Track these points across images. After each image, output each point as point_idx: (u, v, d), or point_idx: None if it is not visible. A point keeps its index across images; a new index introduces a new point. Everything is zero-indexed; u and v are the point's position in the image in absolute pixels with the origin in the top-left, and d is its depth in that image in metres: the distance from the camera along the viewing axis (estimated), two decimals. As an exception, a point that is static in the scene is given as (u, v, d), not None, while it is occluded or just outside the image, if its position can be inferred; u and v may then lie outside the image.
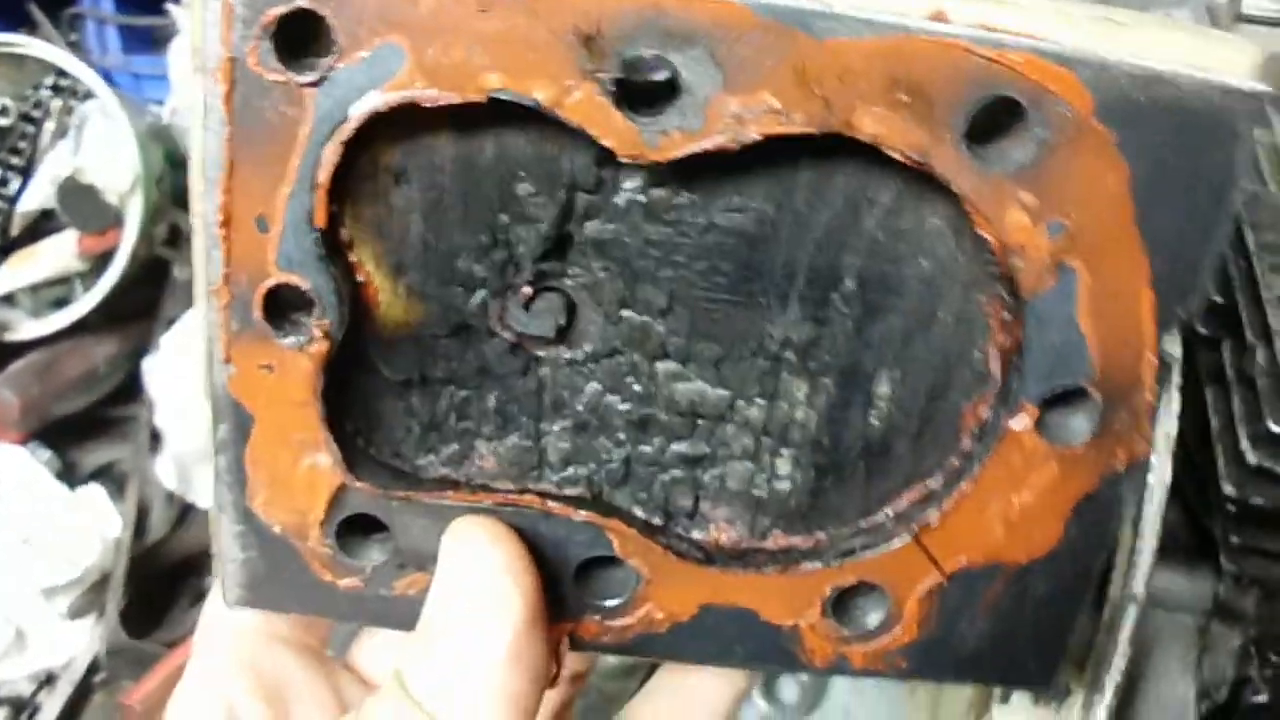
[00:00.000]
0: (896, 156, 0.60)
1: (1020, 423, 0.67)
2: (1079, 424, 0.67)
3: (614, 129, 0.59)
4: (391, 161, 0.64)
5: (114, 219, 2.14)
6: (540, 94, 0.58)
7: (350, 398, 0.69)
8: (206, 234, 0.62)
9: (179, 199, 2.28)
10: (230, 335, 0.64)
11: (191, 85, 0.61)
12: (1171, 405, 0.68)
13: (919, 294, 0.67)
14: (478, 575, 0.68)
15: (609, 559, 0.71)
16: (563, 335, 0.70)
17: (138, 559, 2.09)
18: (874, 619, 0.73)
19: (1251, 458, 0.78)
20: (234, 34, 0.58)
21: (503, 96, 0.58)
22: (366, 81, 0.58)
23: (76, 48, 2.24)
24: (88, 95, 2.18)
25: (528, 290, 0.68)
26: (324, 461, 0.68)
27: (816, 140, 0.61)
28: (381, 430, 0.72)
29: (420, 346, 0.69)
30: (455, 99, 0.59)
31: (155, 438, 2.20)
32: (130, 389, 2.28)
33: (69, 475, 2.20)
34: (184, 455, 2.15)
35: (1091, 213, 0.61)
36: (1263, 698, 0.84)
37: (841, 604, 0.73)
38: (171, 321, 2.25)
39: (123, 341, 2.26)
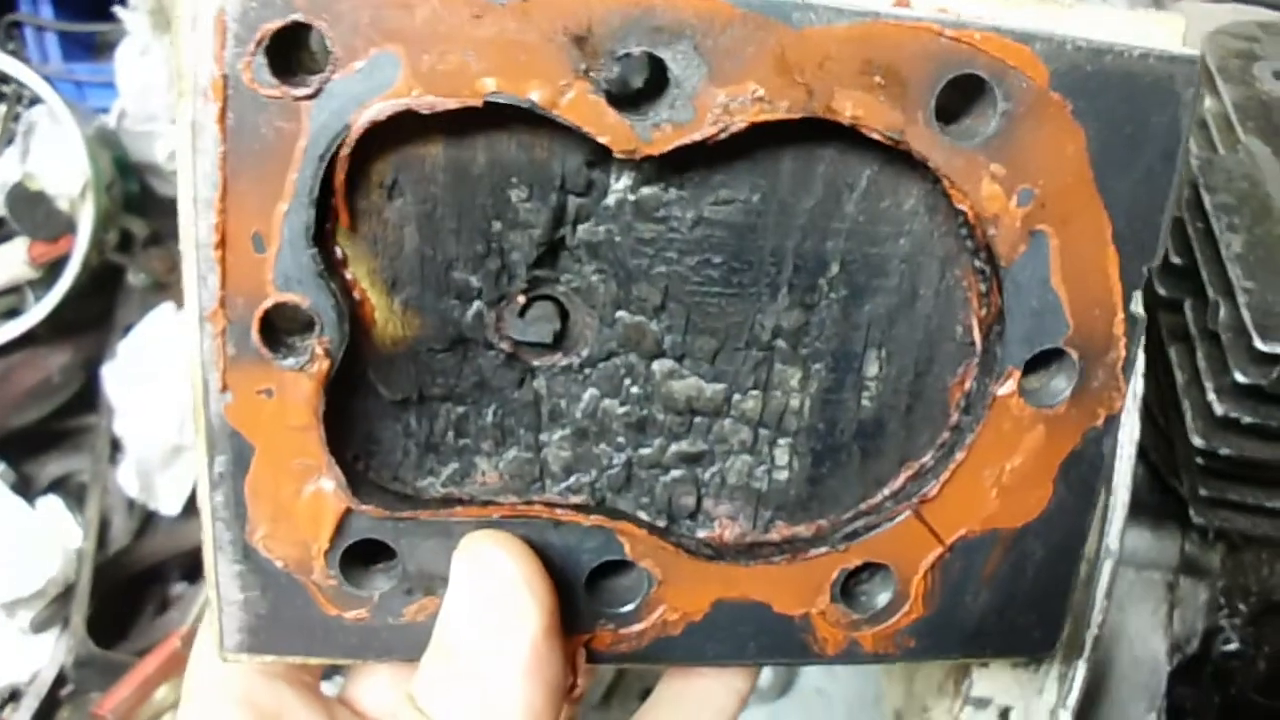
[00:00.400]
0: (876, 137, 0.63)
1: (1007, 388, 0.70)
2: (1059, 385, 0.71)
3: (608, 125, 0.61)
4: (383, 174, 0.64)
5: (65, 226, 2.09)
6: (536, 95, 0.60)
7: (347, 422, 0.68)
8: (200, 258, 0.61)
9: (130, 204, 2.25)
10: (227, 361, 0.63)
11: (177, 109, 0.61)
12: (1138, 364, 0.72)
13: (900, 273, 0.70)
14: (492, 589, 0.67)
15: (620, 564, 0.71)
16: (558, 342, 0.70)
17: (101, 569, 2.04)
18: (882, 599, 0.74)
19: (1219, 409, 0.82)
20: (227, 51, 0.58)
21: (499, 99, 0.60)
22: (363, 91, 0.59)
23: (15, 56, 2.17)
24: (34, 101, 2.13)
25: (521, 299, 0.69)
26: (328, 486, 0.66)
27: (797, 128, 0.64)
28: (380, 454, 0.70)
29: (417, 363, 0.69)
30: (452, 104, 0.60)
31: (114, 446, 2.15)
32: (86, 398, 2.22)
33: (24, 488, 2.14)
34: (146, 462, 2.10)
35: (1056, 178, 0.66)
36: (1234, 645, 0.88)
37: (849, 588, 0.74)
38: (127, 328, 2.19)
39: (76, 350, 2.21)
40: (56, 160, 2.08)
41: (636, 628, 0.73)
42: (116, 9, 2.12)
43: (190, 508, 2.15)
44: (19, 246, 2.08)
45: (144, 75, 2.11)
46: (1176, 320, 0.90)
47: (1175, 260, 0.91)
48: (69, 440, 2.24)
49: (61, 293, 2.08)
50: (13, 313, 2.16)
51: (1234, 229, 0.86)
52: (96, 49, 2.39)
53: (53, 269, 2.12)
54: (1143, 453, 0.79)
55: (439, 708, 0.66)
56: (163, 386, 2.07)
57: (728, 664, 0.77)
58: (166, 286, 2.26)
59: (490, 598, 0.66)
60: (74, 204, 2.09)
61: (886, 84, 0.62)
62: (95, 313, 2.24)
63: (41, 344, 2.16)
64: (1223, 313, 0.83)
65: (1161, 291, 0.92)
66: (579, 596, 0.71)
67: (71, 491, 2.18)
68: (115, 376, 2.14)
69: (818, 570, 0.73)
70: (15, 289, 2.15)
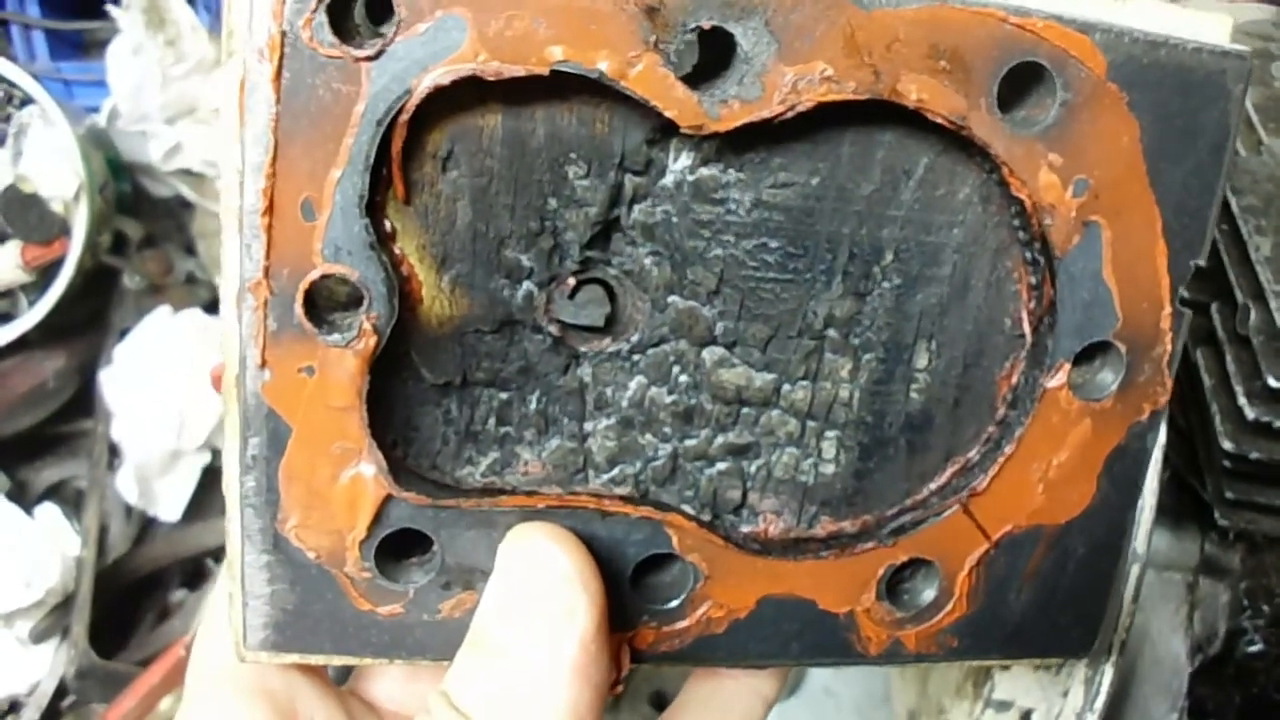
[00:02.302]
0: (940, 121, 0.63)
1: (1056, 381, 0.69)
2: (1105, 378, 0.70)
3: (676, 100, 0.60)
4: (438, 145, 0.62)
5: (59, 228, 2.02)
6: (604, 65, 0.58)
7: (386, 406, 0.65)
8: (244, 227, 0.58)
9: (123, 206, 2.20)
10: (268, 336, 0.60)
11: (224, 68, 0.58)
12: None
13: (953, 263, 0.69)
14: (542, 584, 0.64)
15: (665, 558, 0.69)
16: (607, 327, 0.68)
17: (100, 577, 1.97)
18: (927, 596, 0.72)
19: (1250, 413, 0.83)
20: (287, 7, 0.55)
21: (566, 69, 0.58)
22: (426, 55, 0.57)
23: (2, 55, 2.11)
24: (24, 102, 2.06)
25: (571, 281, 0.67)
26: (367, 472, 0.63)
27: (858, 111, 0.63)
28: (418, 441, 0.67)
29: (463, 345, 0.66)
30: (518, 72, 0.58)
31: (112, 451, 2.09)
32: (82, 403, 2.15)
33: (21, 495, 2.06)
34: (144, 467, 2.03)
35: (1110, 170, 0.66)
36: (1258, 646, 0.88)
37: (894, 586, 0.73)
38: (123, 332, 2.14)
39: (71, 355, 2.14)
40: (49, 162, 2.03)
41: (680, 625, 0.70)
42: (109, 7, 2.07)
43: (190, 513, 2.10)
44: (12, 250, 2.02)
45: (136, 74, 2.06)
46: (1202, 323, 0.91)
47: (1199, 263, 0.92)
48: (65, 446, 2.17)
49: (56, 296, 2.03)
50: (6, 317, 2.09)
51: (1261, 231, 0.88)
52: (84, 47, 2.33)
53: (46, 272, 2.07)
54: (1163, 453, 0.79)
55: (478, 706, 0.63)
56: (160, 391, 2.01)
57: (770, 664, 0.74)
58: (162, 289, 2.21)
59: (539, 593, 0.63)
60: (67, 206, 2.04)
61: (951, 69, 0.62)
62: (90, 316, 2.19)
63: (36, 348, 2.10)
64: (1253, 316, 0.84)
65: (1185, 294, 0.93)
66: (624, 592, 0.68)
67: (69, 498, 2.11)
68: (112, 381, 2.09)
69: (865, 566, 0.71)
70: (8, 293, 2.09)
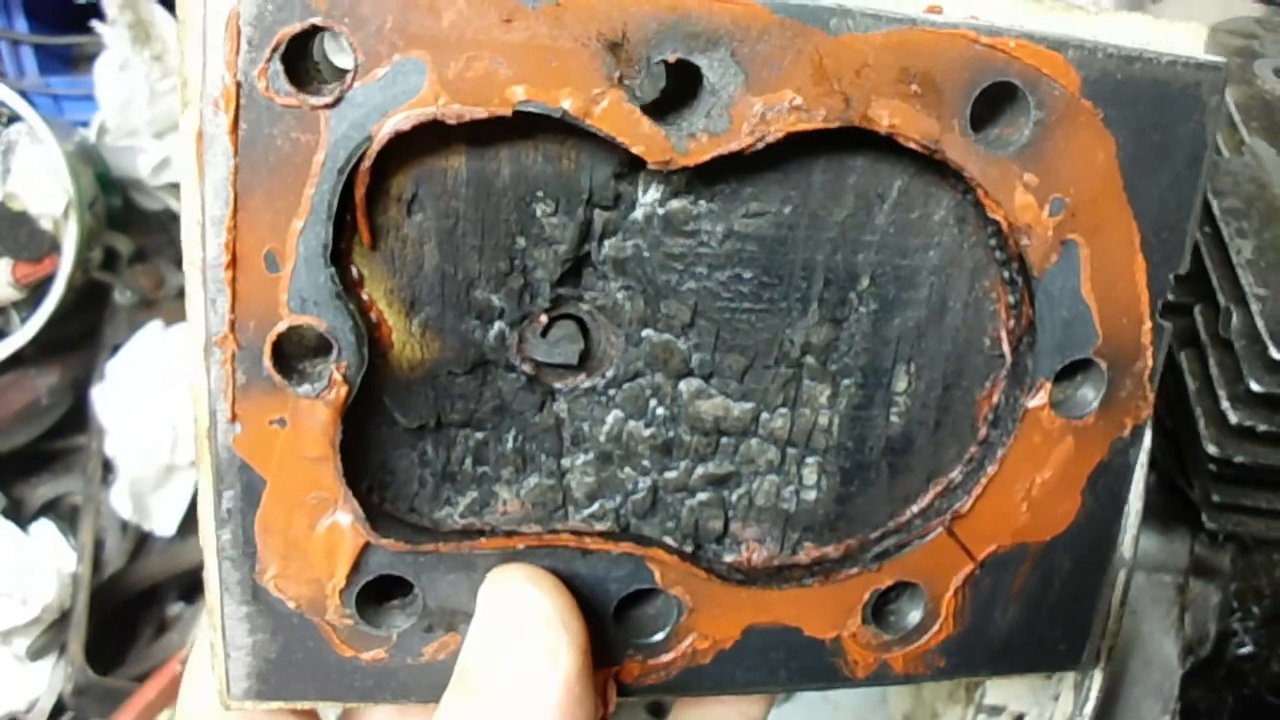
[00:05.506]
0: (912, 146, 0.62)
1: (1038, 400, 0.69)
2: (1086, 395, 0.70)
3: (643, 135, 0.59)
4: (402, 188, 0.60)
5: (49, 245, 2.03)
6: (567, 103, 0.57)
7: (361, 451, 0.64)
8: (208, 279, 0.57)
9: (113, 221, 2.20)
10: (237, 390, 0.59)
11: (181, 119, 0.57)
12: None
13: (930, 285, 0.69)
14: (523, 627, 0.63)
15: (648, 592, 0.68)
16: (581, 363, 0.67)
17: (96, 593, 1.98)
18: (913, 618, 0.72)
19: (1233, 417, 0.82)
20: (240, 57, 0.54)
21: (530, 109, 0.57)
22: (386, 100, 0.56)
23: None
24: (12, 119, 2.06)
25: (544, 318, 0.66)
26: (344, 520, 0.62)
27: (829, 138, 0.62)
28: (395, 485, 0.67)
29: (435, 388, 0.65)
30: (481, 114, 0.57)
31: (106, 467, 2.11)
32: (75, 419, 2.16)
33: (16, 512, 2.06)
34: (139, 482, 2.04)
35: (1086, 187, 0.65)
36: (1249, 648, 0.88)
37: (880, 609, 0.72)
38: (115, 347, 2.15)
39: (64, 371, 2.15)
40: (38, 179, 2.02)
41: (665, 657, 0.70)
42: (95, 24, 2.06)
43: (185, 528, 2.10)
44: (2, 268, 2.02)
45: (124, 90, 2.06)
46: (1185, 325, 0.90)
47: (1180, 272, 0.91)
48: (60, 462, 2.17)
49: (47, 313, 2.03)
50: (-2, 335, 2.09)
51: (1243, 234, 0.87)
52: (73, 61, 2.31)
53: (37, 289, 2.06)
54: (1150, 456, 0.78)
55: None
56: (153, 406, 2.02)
57: (757, 691, 0.74)
58: (153, 304, 2.20)
59: (521, 635, 0.63)
60: (57, 223, 2.03)
61: (923, 92, 0.61)
62: (82, 332, 2.19)
63: (29, 365, 2.10)
64: (1235, 320, 0.84)
65: (1169, 296, 0.93)
66: (607, 627, 0.68)
67: (64, 514, 2.12)
68: (105, 397, 2.09)
69: (850, 591, 0.71)
70: (0, 311, 2.08)
